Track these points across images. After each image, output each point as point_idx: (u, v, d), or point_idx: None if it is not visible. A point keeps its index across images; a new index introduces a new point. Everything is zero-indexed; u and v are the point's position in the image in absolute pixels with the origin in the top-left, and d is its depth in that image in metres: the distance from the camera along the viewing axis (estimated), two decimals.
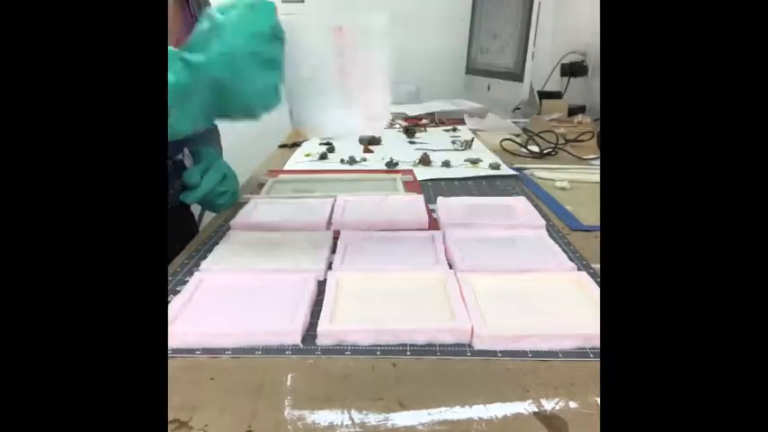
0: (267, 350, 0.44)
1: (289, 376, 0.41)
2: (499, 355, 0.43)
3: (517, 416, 0.37)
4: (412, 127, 1.43)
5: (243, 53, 0.48)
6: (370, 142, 1.26)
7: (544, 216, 0.73)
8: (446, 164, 1.05)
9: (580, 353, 0.43)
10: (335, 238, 0.65)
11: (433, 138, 1.36)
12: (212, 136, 0.89)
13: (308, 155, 1.16)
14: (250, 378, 0.41)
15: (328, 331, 0.45)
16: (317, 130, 0.58)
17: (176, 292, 0.52)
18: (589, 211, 0.77)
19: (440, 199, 0.79)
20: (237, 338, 0.45)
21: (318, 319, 0.46)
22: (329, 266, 0.57)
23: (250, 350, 0.44)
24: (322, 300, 0.50)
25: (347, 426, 0.36)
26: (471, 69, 1.96)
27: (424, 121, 1.57)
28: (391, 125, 1.56)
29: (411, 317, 0.47)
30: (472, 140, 1.25)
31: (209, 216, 0.83)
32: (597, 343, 0.44)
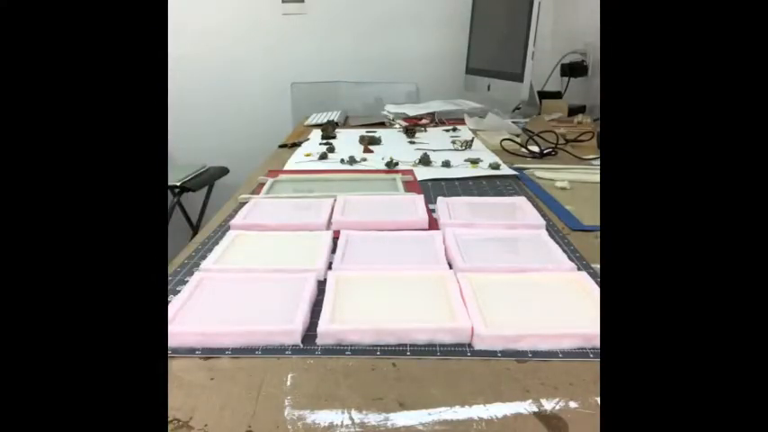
0: (267, 350, 0.44)
1: (289, 376, 0.41)
2: (499, 355, 0.43)
3: (517, 416, 0.37)
4: (412, 127, 1.43)
5: None
6: (370, 142, 1.26)
7: (544, 216, 0.73)
8: (446, 164, 1.05)
9: (580, 353, 0.43)
10: (335, 238, 0.65)
11: (433, 138, 1.36)
12: None
13: (308, 155, 1.16)
14: (250, 378, 0.41)
15: (328, 331, 0.45)
16: None
17: (176, 292, 0.52)
18: (589, 211, 0.77)
19: (440, 199, 0.79)
20: (237, 338, 0.45)
21: (318, 319, 0.46)
22: (329, 266, 0.57)
23: (250, 350, 0.44)
24: (322, 300, 0.50)
25: (347, 426, 0.36)
26: (471, 69, 1.96)
27: (424, 121, 1.57)
28: (391, 125, 1.57)
29: (411, 317, 0.47)
30: (472, 140, 1.25)
31: (209, 216, 0.83)
32: (597, 343, 0.44)
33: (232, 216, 0.73)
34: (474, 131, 1.42)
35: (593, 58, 1.82)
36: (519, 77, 1.53)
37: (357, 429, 0.35)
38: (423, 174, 0.99)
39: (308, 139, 1.36)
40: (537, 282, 0.54)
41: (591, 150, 1.18)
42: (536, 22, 1.47)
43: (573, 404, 0.38)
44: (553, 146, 1.17)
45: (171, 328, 0.45)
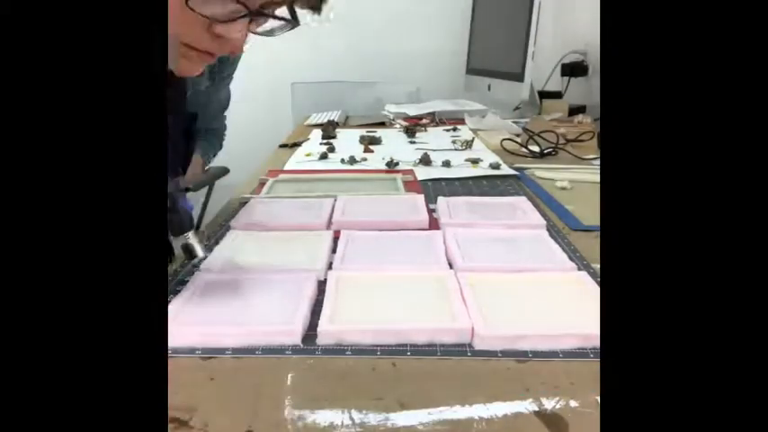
0: (267, 350, 0.44)
1: (289, 376, 0.41)
2: (499, 355, 0.43)
3: (518, 415, 0.37)
4: (412, 127, 1.43)
5: None
6: (370, 142, 1.26)
7: (544, 216, 0.73)
8: (446, 164, 1.05)
9: (580, 353, 0.43)
10: (335, 238, 0.65)
11: (434, 138, 1.36)
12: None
13: (308, 155, 1.16)
14: (250, 378, 0.41)
15: (328, 331, 0.45)
16: None
17: (176, 292, 0.52)
18: (589, 211, 0.77)
19: (440, 199, 0.79)
20: (237, 338, 0.45)
21: (318, 319, 0.46)
22: (329, 266, 0.57)
23: (250, 350, 0.44)
24: (322, 300, 0.50)
25: (347, 426, 0.36)
26: (471, 69, 1.96)
27: (424, 121, 1.57)
28: (391, 125, 1.57)
29: (411, 317, 0.47)
30: (472, 140, 1.25)
31: (209, 216, 0.83)
32: (597, 343, 0.44)
33: (232, 216, 0.73)
34: (474, 131, 1.42)
35: (594, 58, 1.82)
36: (519, 77, 1.52)
37: (357, 429, 0.35)
38: (423, 174, 0.99)
39: (309, 139, 1.36)
40: (537, 282, 0.54)
41: (591, 150, 1.18)
42: (536, 22, 1.47)
43: (573, 403, 0.38)
44: (553, 146, 1.17)
45: (171, 328, 0.44)
